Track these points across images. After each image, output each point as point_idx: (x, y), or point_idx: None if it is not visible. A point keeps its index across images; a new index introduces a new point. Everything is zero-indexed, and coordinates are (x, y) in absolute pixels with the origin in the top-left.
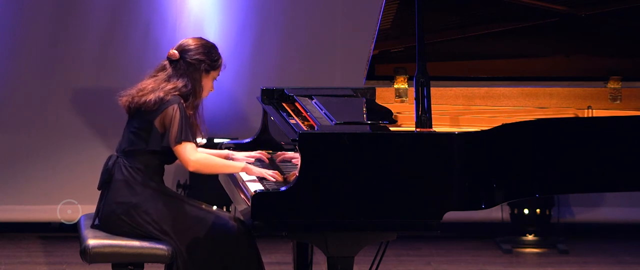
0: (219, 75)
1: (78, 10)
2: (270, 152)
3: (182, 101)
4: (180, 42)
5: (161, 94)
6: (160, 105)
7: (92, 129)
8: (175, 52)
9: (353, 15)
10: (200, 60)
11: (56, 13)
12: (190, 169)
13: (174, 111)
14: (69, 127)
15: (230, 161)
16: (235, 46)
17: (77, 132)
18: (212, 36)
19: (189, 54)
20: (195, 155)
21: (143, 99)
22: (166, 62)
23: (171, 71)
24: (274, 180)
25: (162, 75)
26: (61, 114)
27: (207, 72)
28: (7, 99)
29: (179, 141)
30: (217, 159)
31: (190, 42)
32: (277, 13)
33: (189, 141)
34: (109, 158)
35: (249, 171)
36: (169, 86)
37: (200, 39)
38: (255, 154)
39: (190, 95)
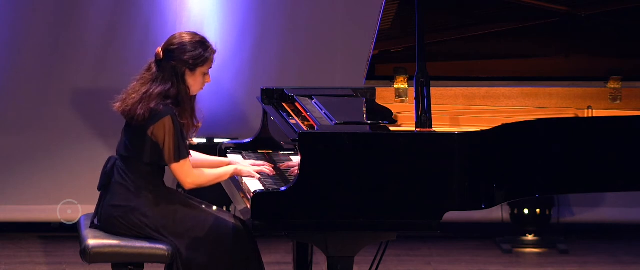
0: (211, 66)
1: (78, 10)
2: (270, 152)
3: (175, 110)
4: (169, 37)
5: (151, 105)
6: (152, 116)
7: (91, 129)
8: (160, 51)
9: (353, 15)
10: (183, 60)
11: (56, 13)
12: (187, 188)
13: (167, 127)
14: (68, 127)
15: (222, 168)
16: (235, 46)
17: (77, 132)
18: (212, 36)
19: (173, 54)
20: (192, 176)
21: (133, 111)
22: (152, 61)
23: (156, 72)
24: (257, 176)
25: (147, 76)
26: (61, 114)
27: (193, 70)
28: (7, 99)
29: (176, 160)
30: (210, 172)
31: (174, 42)
32: (277, 13)
33: (185, 158)
34: (108, 160)
35: (240, 173)
36: (157, 91)
37: (187, 35)
38: (260, 163)
39: (180, 97)
